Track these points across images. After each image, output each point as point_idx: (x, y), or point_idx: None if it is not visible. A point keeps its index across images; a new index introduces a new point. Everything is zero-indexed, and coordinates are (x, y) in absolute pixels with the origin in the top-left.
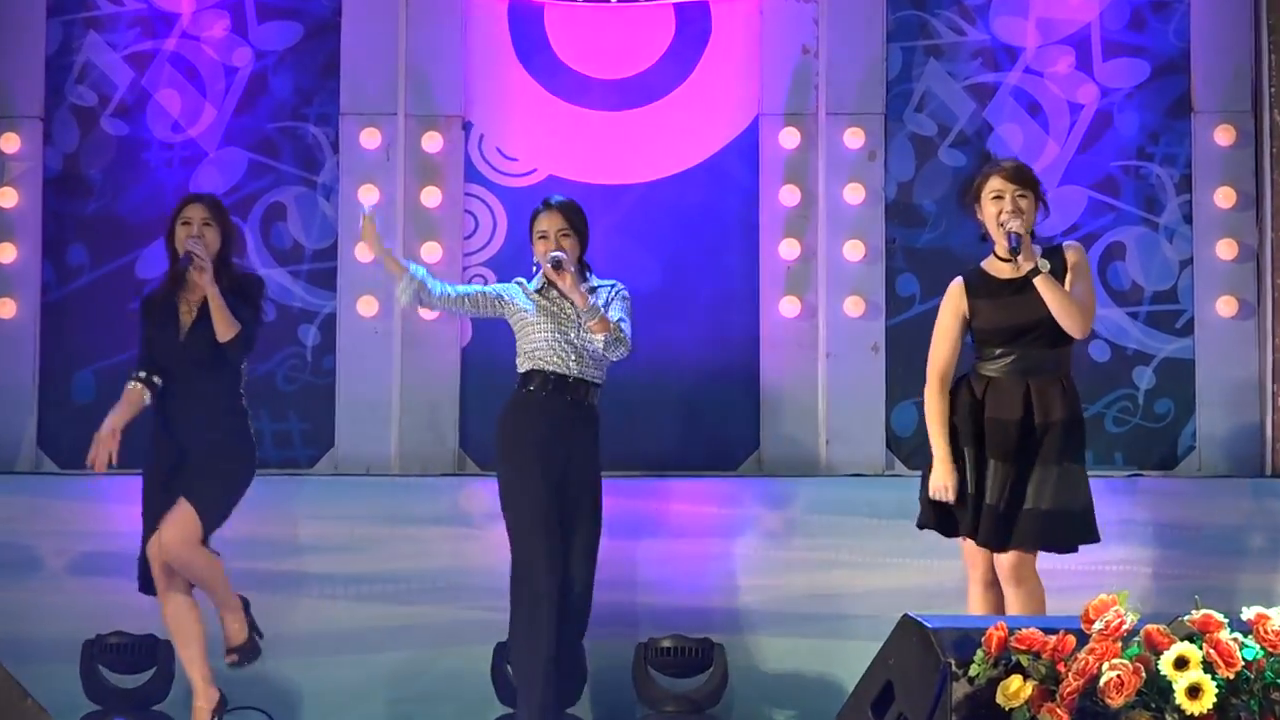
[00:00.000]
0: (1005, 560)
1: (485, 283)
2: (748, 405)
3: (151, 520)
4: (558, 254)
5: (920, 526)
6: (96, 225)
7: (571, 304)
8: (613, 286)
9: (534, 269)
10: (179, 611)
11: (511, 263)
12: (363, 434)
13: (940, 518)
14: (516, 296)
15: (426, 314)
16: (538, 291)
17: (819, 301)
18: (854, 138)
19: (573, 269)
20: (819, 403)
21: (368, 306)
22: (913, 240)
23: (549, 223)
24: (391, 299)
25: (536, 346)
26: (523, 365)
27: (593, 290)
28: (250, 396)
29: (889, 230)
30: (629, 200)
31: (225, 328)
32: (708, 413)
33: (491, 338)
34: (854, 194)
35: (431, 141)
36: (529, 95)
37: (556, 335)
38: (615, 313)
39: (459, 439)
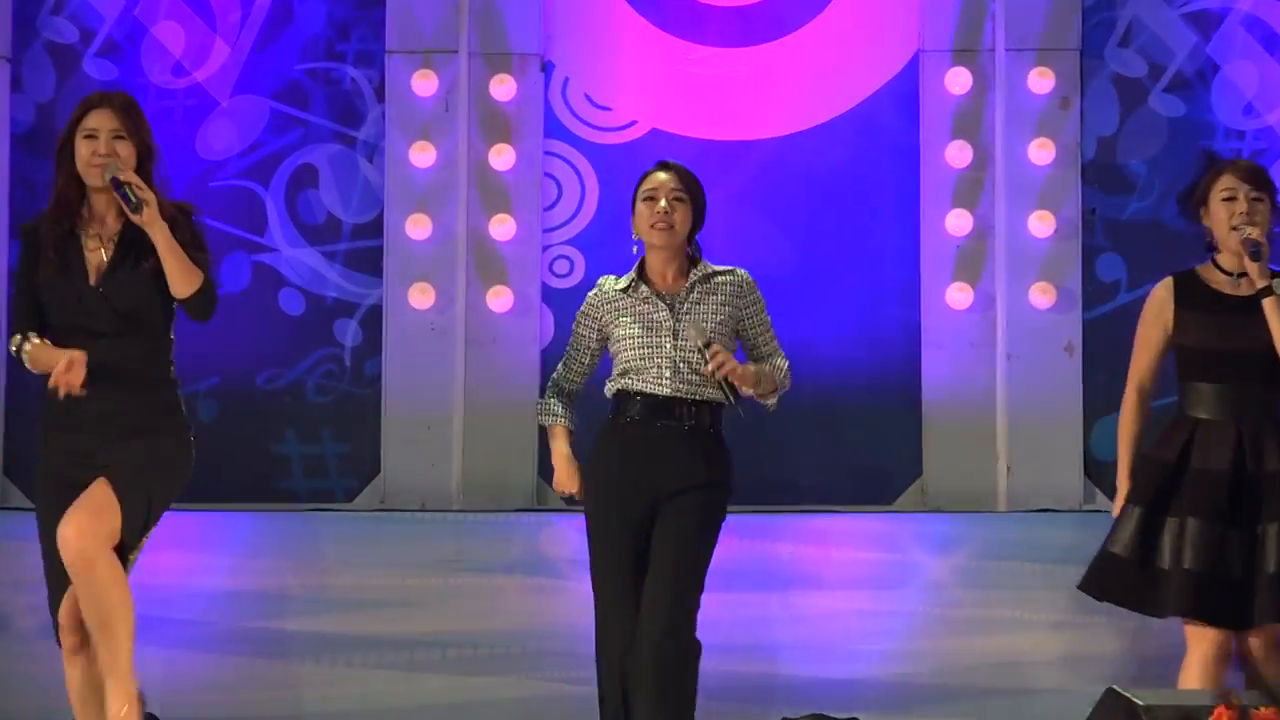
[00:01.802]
0: (1256, 641)
1: (570, 266)
2: (906, 422)
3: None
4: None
5: (1091, 594)
6: None
7: (663, 301)
8: (735, 279)
9: (635, 249)
10: (89, 679)
11: (604, 240)
12: (416, 459)
13: (1123, 584)
14: (603, 312)
15: (498, 303)
16: (623, 290)
17: (997, 289)
18: (1041, 80)
19: (734, 370)
20: (997, 418)
21: (422, 296)
22: (1117, 211)
23: (659, 181)
24: (453, 285)
25: (628, 364)
26: (609, 387)
27: (706, 280)
28: (271, 411)
29: (1087, 198)
30: (752, 160)
31: (186, 278)
32: (855, 431)
33: None
34: (1041, 152)
35: (503, 87)
36: (626, 28)
37: (649, 351)
38: (778, 356)
39: (538, 465)
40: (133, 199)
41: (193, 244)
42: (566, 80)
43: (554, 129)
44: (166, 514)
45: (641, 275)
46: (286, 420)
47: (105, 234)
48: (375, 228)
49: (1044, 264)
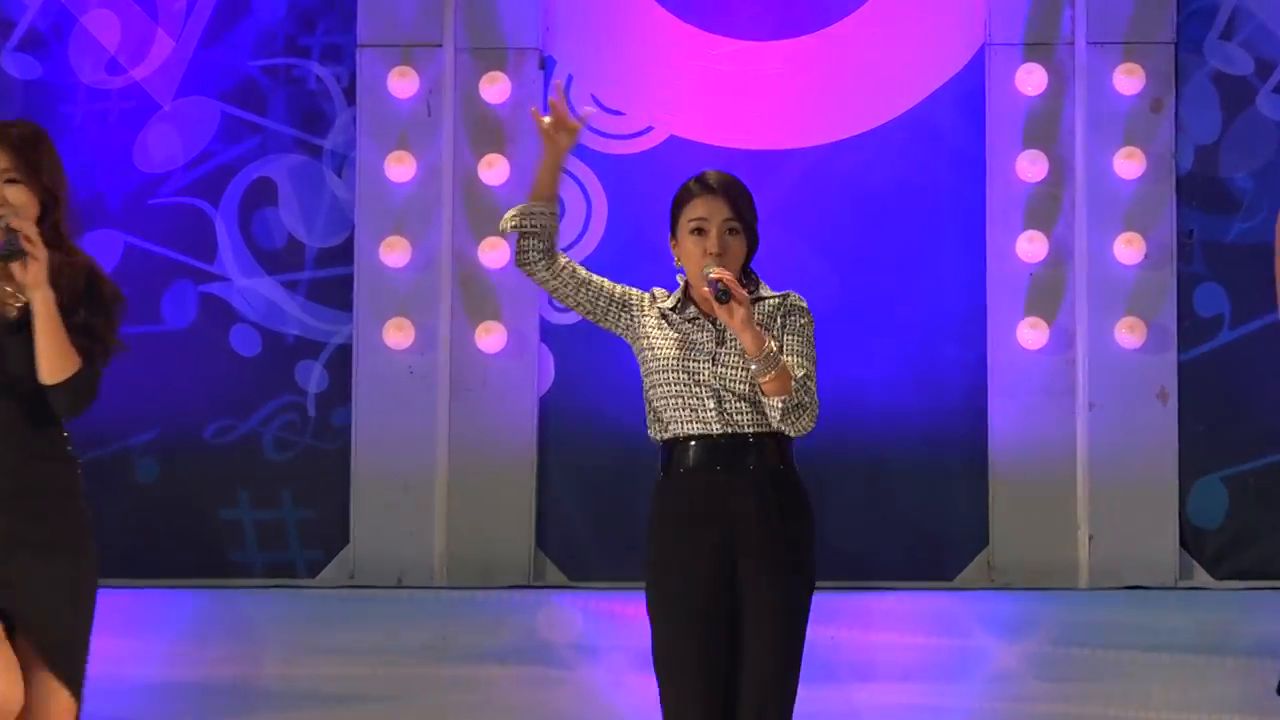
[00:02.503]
0: None
1: None
2: (970, 482)
3: None
4: (715, 278)
5: None
6: None
7: (712, 325)
8: (784, 302)
9: (678, 276)
10: None
11: (615, 265)
12: (392, 527)
13: None
14: (645, 312)
15: (489, 343)
16: (670, 310)
17: (1077, 325)
18: (1129, 79)
19: (747, 301)
20: (1078, 478)
21: (400, 334)
22: (1219, 233)
23: (709, 208)
24: (436, 320)
25: (664, 399)
26: (654, 431)
27: (758, 303)
28: (221, 470)
29: (1183, 218)
30: (789, 173)
31: (55, 362)
32: (909, 493)
33: (584, 378)
34: (1129, 164)
35: (495, 87)
36: (640, 18)
37: (684, 376)
38: (796, 363)
39: (536, 534)
40: (6, 248)
41: (89, 328)
42: (570, 79)
43: None
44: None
45: (688, 295)
46: (239, 481)
47: (10, 296)
48: (344, 253)
49: (1132, 296)
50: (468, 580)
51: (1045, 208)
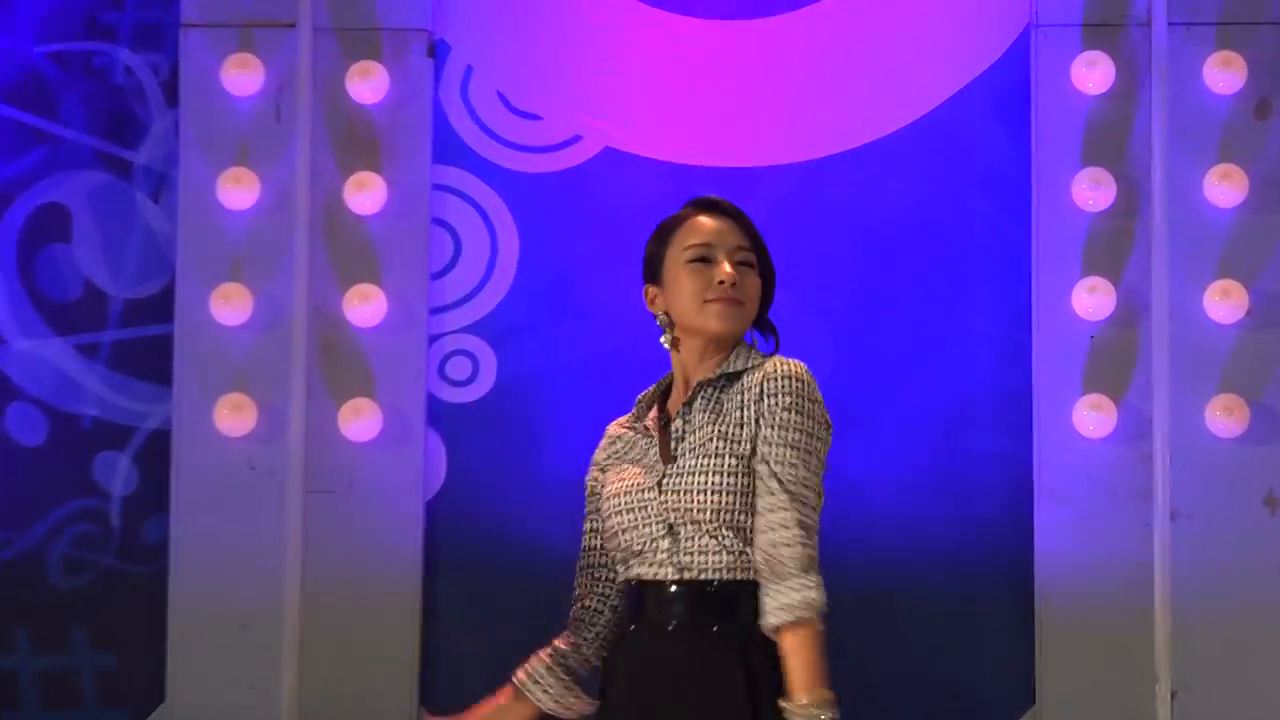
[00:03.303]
0: None
1: (473, 367)
2: (1011, 620)
3: None
4: None
5: None
6: None
7: (670, 434)
8: (756, 371)
9: (662, 338)
10: None
11: (530, 324)
12: (224, 677)
13: None
14: (603, 456)
15: (358, 427)
16: (630, 422)
17: (1155, 406)
18: (1226, 73)
19: None
20: (1156, 614)
21: (236, 415)
22: None
23: (716, 231)
24: (286, 397)
25: (614, 532)
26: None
27: (729, 379)
28: None
29: None
30: (767, 197)
31: None
32: (934, 635)
33: (488, 476)
34: (1226, 187)
35: (368, 82)
36: None
37: (629, 501)
38: (788, 486)
39: (418, 689)
40: None
41: None
42: (469, 71)
43: (449, 148)
44: None
45: (663, 391)
46: (15, 615)
47: None
48: (162, 306)
49: (1230, 366)
50: None
51: (1112, 246)
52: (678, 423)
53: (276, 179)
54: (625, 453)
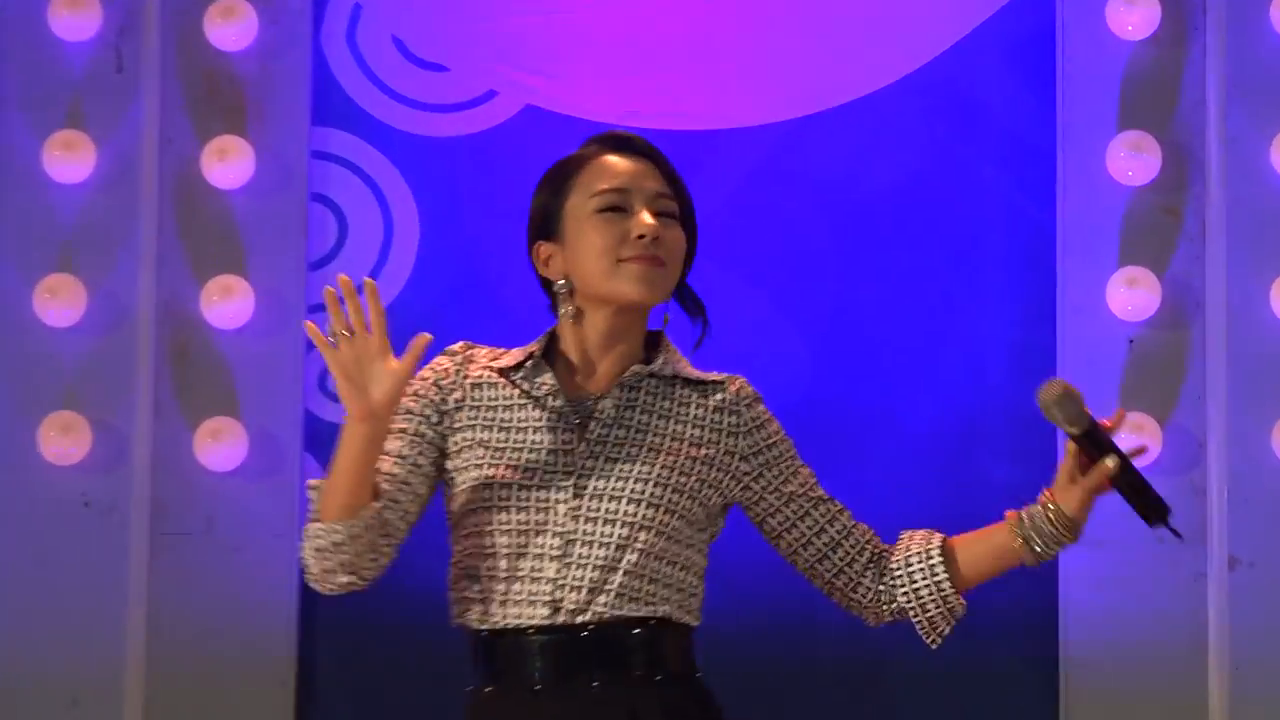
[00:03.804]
0: None
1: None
2: (1035, 686)
3: None
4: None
5: None
6: None
7: (574, 411)
8: (735, 397)
9: (564, 309)
10: None
11: (431, 319)
12: None
13: None
14: (450, 392)
15: (216, 453)
16: (506, 371)
17: (1209, 428)
18: None
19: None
20: (1210, 680)
21: (66, 438)
22: None
23: (630, 172)
24: (129, 416)
25: (472, 534)
26: (467, 612)
27: (670, 384)
28: None
29: None
30: (736, 164)
31: None
32: (940, 707)
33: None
34: None
35: (230, 24)
36: None
37: (522, 497)
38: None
39: None
40: None
41: None
42: (357, 10)
43: (333, 107)
44: None
45: (549, 356)
46: None
47: None
48: None
49: None
50: None
51: (1156, 230)
52: (604, 405)
53: (117, 145)
54: (497, 412)
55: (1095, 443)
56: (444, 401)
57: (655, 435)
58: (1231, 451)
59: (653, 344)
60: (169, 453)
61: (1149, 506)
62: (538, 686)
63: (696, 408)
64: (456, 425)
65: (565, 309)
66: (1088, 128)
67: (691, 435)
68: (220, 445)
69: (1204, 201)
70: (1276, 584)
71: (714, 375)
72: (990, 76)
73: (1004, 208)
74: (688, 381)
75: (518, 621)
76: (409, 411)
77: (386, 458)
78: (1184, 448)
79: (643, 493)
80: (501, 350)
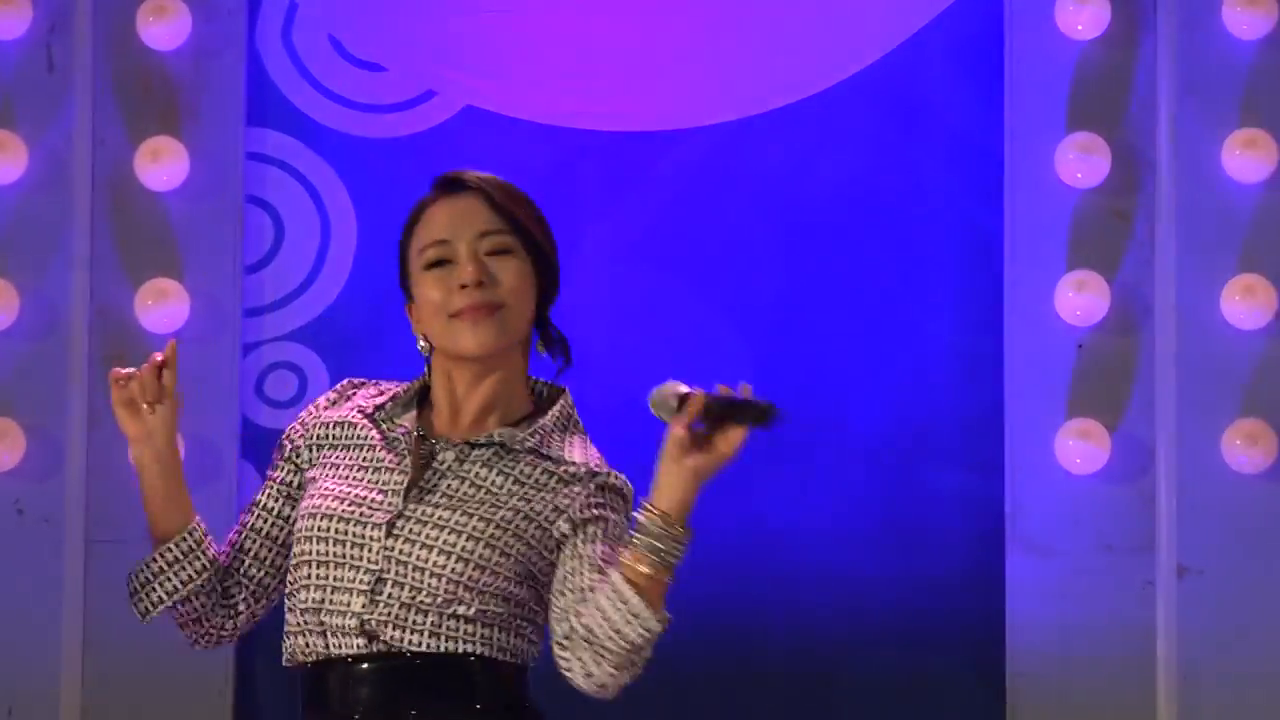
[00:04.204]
0: None
1: (298, 382)
2: (979, 700)
3: None
4: (699, 404)
5: None
6: None
7: (423, 447)
8: (594, 476)
9: (424, 355)
10: None
11: (367, 330)
12: None
13: None
14: (313, 432)
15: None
16: (371, 412)
17: (1158, 433)
18: (1251, 12)
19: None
20: (1159, 695)
21: (1, 444)
22: None
23: (453, 216)
24: (63, 423)
25: (303, 561)
26: (292, 645)
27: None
28: None
29: None
30: (677, 165)
31: None
32: (871, 716)
33: None
34: (1251, 158)
35: (163, 23)
36: None
37: (338, 528)
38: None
39: None
40: None
41: None
42: (293, 9)
43: (268, 107)
44: None
45: (425, 397)
46: None
47: None
48: None
49: (1254, 384)
50: None
51: (1106, 233)
52: (446, 455)
53: (48, 146)
54: (350, 452)
55: (709, 415)
56: (309, 439)
57: (488, 490)
58: (1181, 458)
59: (548, 396)
60: (103, 459)
61: (755, 413)
62: (357, 715)
63: (542, 474)
64: (314, 462)
65: (432, 365)
66: (1036, 129)
67: (524, 493)
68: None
69: (1154, 204)
70: (1225, 592)
71: (580, 466)
72: (936, 77)
73: (950, 210)
74: (547, 457)
75: (339, 652)
76: (275, 460)
77: (250, 509)
78: (1133, 455)
79: (454, 545)
80: (387, 386)
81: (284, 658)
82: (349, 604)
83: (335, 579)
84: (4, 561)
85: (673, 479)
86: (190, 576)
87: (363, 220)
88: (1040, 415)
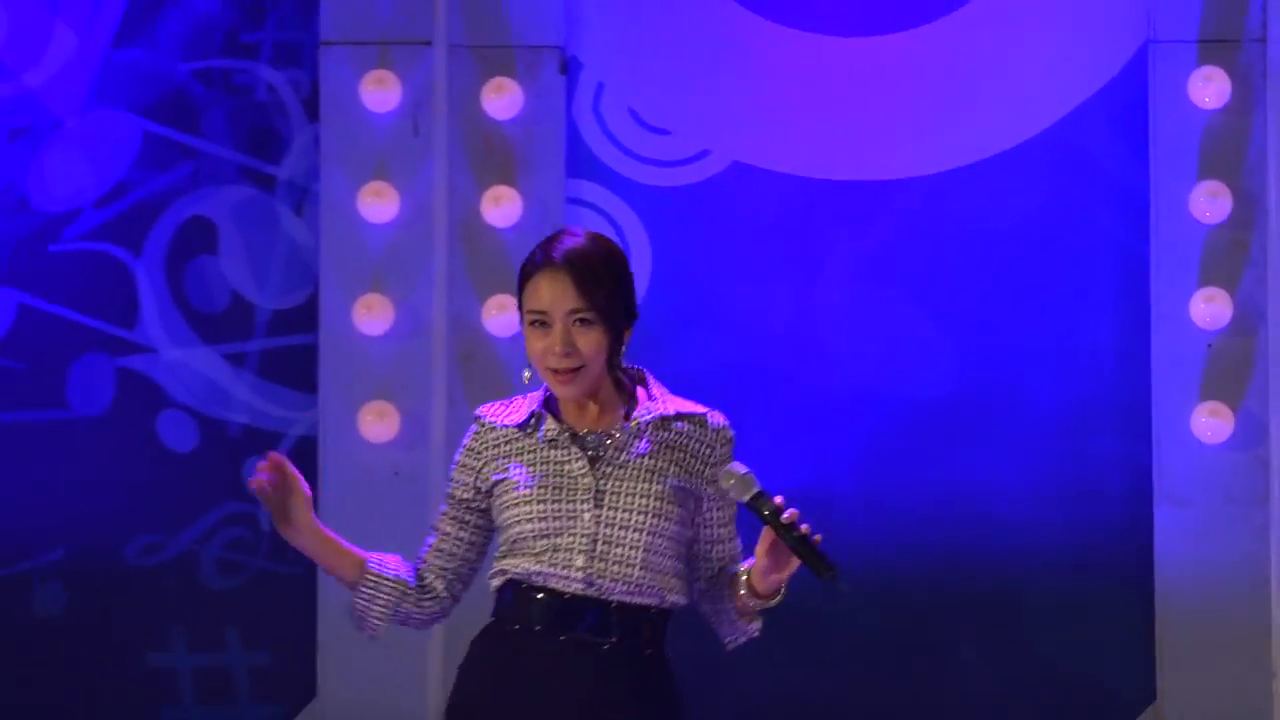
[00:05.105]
0: None
1: None
2: (1131, 619)
3: None
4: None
5: None
6: None
7: (579, 446)
8: (696, 428)
9: (526, 377)
10: None
11: (661, 333)
12: (373, 675)
13: None
14: (484, 458)
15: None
16: (519, 427)
17: (1270, 412)
18: None
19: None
20: (1273, 614)
21: (380, 422)
22: None
23: (552, 293)
24: (428, 404)
25: (516, 538)
26: (492, 573)
27: (662, 426)
28: (148, 601)
29: None
30: (892, 211)
31: None
32: (1052, 634)
33: None
34: None
35: (502, 98)
36: (693, 7)
37: (549, 512)
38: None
39: None
40: None
41: None
42: (600, 88)
43: (582, 163)
44: None
45: (549, 405)
46: (172, 615)
47: None
48: (306, 316)
49: None
50: None
51: (1228, 258)
52: (627, 451)
53: (415, 193)
54: (525, 455)
55: (762, 510)
56: (480, 468)
57: (651, 459)
58: None
59: (636, 379)
60: (458, 432)
61: (818, 562)
62: (537, 628)
63: (685, 438)
64: (491, 475)
65: (534, 391)
66: (1174, 177)
67: (674, 457)
68: None
69: (1266, 235)
70: None
71: (695, 412)
72: (1097, 137)
73: (1109, 240)
74: (679, 417)
75: (553, 585)
76: (451, 491)
77: (434, 534)
78: (1252, 429)
79: (646, 506)
80: (509, 401)
81: (498, 584)
82: (571, 564)
83: (553, 548)
84: (386, 511)
85: (765, 568)
86: (386, 603)
87: (655, 249)
88: (1179, 398)
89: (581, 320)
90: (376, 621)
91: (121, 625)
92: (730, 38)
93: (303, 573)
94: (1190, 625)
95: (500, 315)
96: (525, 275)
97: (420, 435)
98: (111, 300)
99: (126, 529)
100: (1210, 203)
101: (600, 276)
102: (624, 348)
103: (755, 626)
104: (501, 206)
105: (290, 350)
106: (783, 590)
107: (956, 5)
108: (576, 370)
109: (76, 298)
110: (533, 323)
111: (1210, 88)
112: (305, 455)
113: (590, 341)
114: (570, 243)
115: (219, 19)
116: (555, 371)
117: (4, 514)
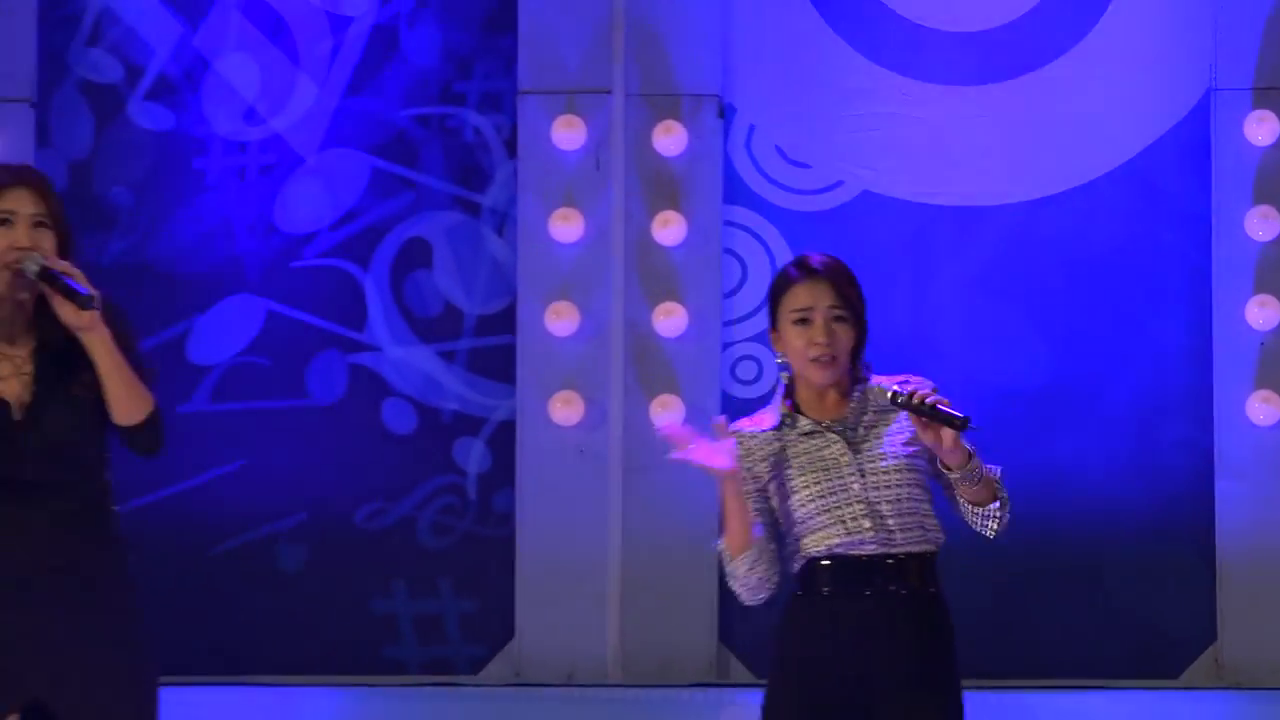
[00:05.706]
0: None
1: (758, 369)
2: (1196, 574)
3: None
4: (914, 398)
5: None
6: (122, 275)
7: (832, 432)
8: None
9: (781, 380)
10: None
11: None
12: (561, 619)
13: None
14: (755, 467)
15: (665, 419)
16: (775, 431)
17: None
18: None
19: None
20: None
21: (567, 408)
22: None
23: (813, 295)
24: (606, 394)
25: (805, 520)
26: (793, 558)
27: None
28: (374, 558)
29: None
30: (992, 232)
31: (136, 400)
32: (1129, 586)
33: None
34: None
35: (670, 138)
36: (828, 61)
37: (828, 491)
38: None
39: (718, 628)
40: (84, 292)
41: (134, 351)
42: (752, 129)
43: (736, 192)
44: (231, 689)
45: (792, 404)
46: (394, 569)
47: (19, 355)
48: (506, 320)
49: None
50: (644, 678)
51: (1277, 270)
52: (862, 425)
53: (597, 217)
54: (792, 452)
55: (895, 400)
56: (751, 469)
57: (886, 428)
58: None
59: (853, 377)
60: (632, 417)
61: (950, 420)
62: (826, 589)
63: (885, 403)
64: (764, 475)
65: (788, 373)
66: (1232, 203)
67: (892, 418)
68: (665, 413)
69: None
70: None
71: (885, 380)
72: (1167, 170)
73: (1176, 256)
74: (879, 388)
75: (849, 551)
76: (745, 485)
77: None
78: None
79: (899, 464)
80: (753, 416)
81: (806, 570)
82: (860, 528)
83: (837, 521)
84: (572, 485)
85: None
86: (766, 566)
87: None
88: (1236, 389)
89: (838, 317)
90: (770, 587)
91: (352, 578)
92: (860, 86)
93: (504, 535)
94: (1246, 581)
95: (667, 320)
96: (782, 287)
97: (600, 420)
98: (344, 307)
99: (356, 497)
100: (1263, 223)
101: (851, 283)
102: (863, 349)
103: (995, 506)
104: (669, 228)
105: (493, 349)
106: (967, 455)
107: (1049, 59)
108: (834, 359)
109: (315, 305)
110: (795, 321)
111: (1263, 127)
112: (505, 436)
113: (843, 335)
114: (822, 259)
115: (434, 73)
116: (816, 360)
117: (255, 485)
